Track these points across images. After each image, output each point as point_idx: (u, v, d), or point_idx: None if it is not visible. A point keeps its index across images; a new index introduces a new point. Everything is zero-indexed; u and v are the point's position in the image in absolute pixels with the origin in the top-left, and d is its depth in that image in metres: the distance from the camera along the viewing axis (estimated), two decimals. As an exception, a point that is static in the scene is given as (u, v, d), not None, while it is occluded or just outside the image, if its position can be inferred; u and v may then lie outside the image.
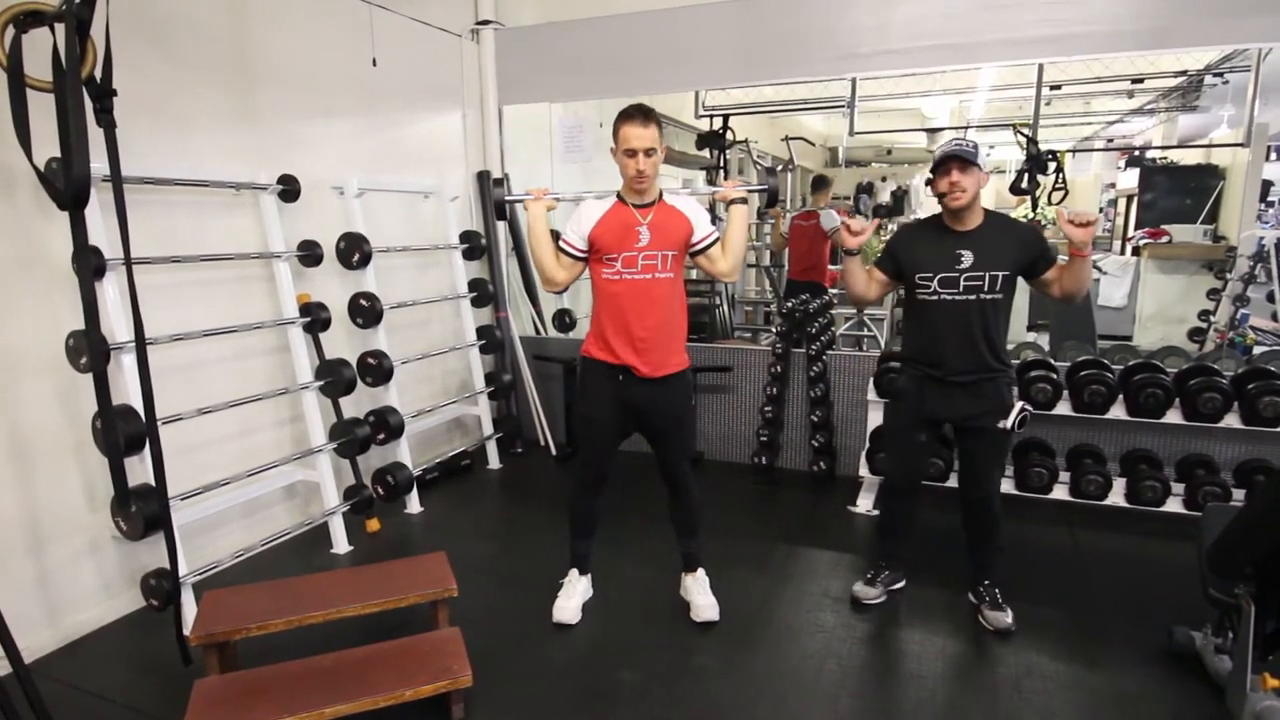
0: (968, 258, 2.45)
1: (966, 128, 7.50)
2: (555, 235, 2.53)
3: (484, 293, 4.45)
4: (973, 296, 2.45)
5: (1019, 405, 2.48)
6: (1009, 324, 2.55)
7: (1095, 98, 7.25)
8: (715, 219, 2.61)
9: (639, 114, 2.36)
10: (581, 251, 2.49)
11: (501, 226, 4.70)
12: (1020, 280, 2.50)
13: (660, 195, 2.49)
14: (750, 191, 2.64)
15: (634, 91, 4.30)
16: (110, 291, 2.52)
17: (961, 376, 2.49)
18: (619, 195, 2.48)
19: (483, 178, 4.65)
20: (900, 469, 2.80)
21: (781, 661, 2.48)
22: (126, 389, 2.53)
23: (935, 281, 2.48)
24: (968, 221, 2.47)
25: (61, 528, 2.62)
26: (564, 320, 5.17)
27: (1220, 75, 5.96)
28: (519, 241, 4.85)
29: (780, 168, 8.11)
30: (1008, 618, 2.61)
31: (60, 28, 1.91)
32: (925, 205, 9.90)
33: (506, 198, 2.65)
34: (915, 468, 2.76)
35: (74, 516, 2.66)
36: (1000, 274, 2.43)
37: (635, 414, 2.55)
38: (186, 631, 2.36)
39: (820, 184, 5.85)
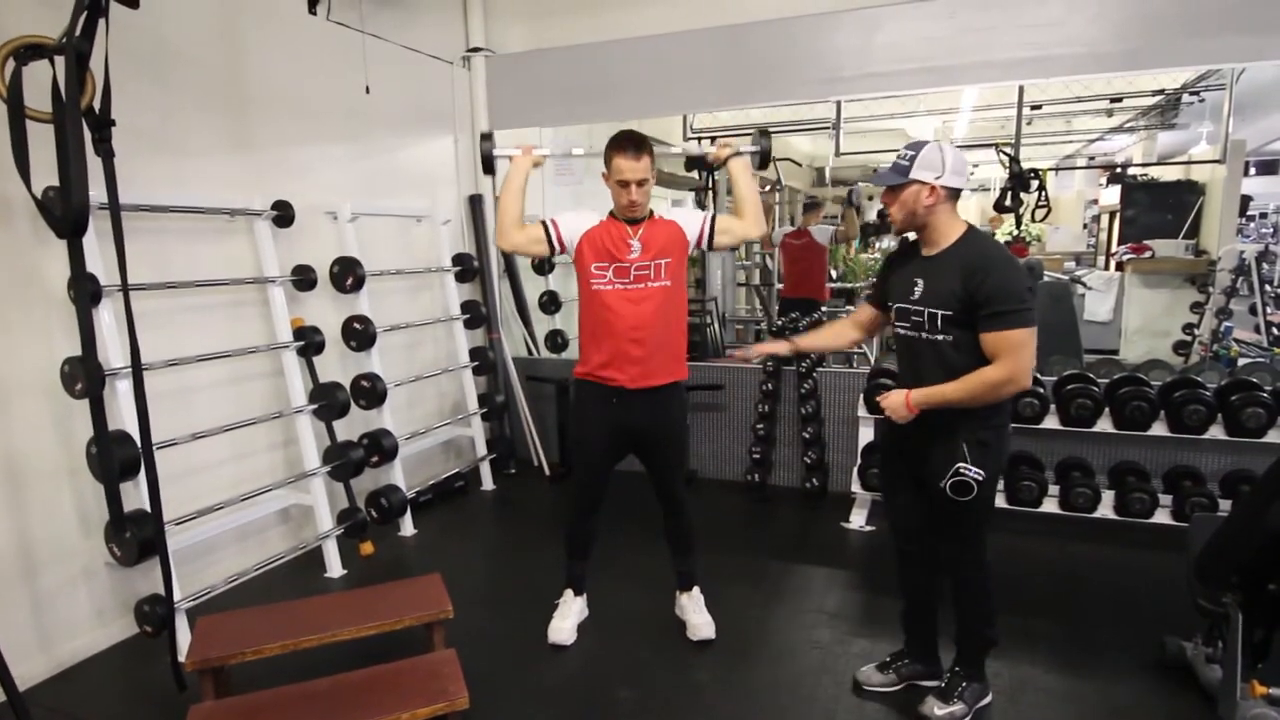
0: (919, 288, 2.07)
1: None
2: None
3: (476, 314, 4.47)
4: (919, 334, 2.08)
5: (957, 467, 2.01)
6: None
7: (1076, 117, 7.40)
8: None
9: (631, 144, 2.35)
10: (556, 239, 2.49)
11: (495, 250, 4.75)
12: None
13: (651, 212, 2.51)
14: (741, 153, 2.58)
15: (623, 116, 4.38)
16: (106, 318, 2.53)
17: (915, 425, 2.08)
18: (611, 212, 2.51)
19: (474, 201, 4.70)
20: (891, 522, 2.40)
21: (778, 677, 2.49)
22: (121, 414, 2.53)
23: (894, 312, 2.16)
24: (933, 243, 2.07)
25: (55, 554, 2.61)
26: (556, 341, 5.20)
27: (1197, 94, 6.10)
28: (511, 264, 4.90)
29: (768, 188, 8.21)
30: (943, 710, 2.20)
31: (60, 60, 1.95)
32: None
33: (495, 153, 2.63)
34: (903, 519, 2.32)
35: (67, 543, 2.64)
36: (939, 313, 2.01)
37: (629, 434, 2.55)
38: (181, 657, 2.35)
39: (812, 206, 5.98)
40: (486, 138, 2.69)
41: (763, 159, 2.65)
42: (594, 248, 2.45)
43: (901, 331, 2.15)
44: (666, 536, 2.75)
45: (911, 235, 2.18)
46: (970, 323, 1.97)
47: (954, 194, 2.03)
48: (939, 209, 2.02)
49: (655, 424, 2.54)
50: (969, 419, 2.02)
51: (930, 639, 2.39)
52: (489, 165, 2.68)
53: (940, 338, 2.03)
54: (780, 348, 2.52)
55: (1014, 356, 1.93)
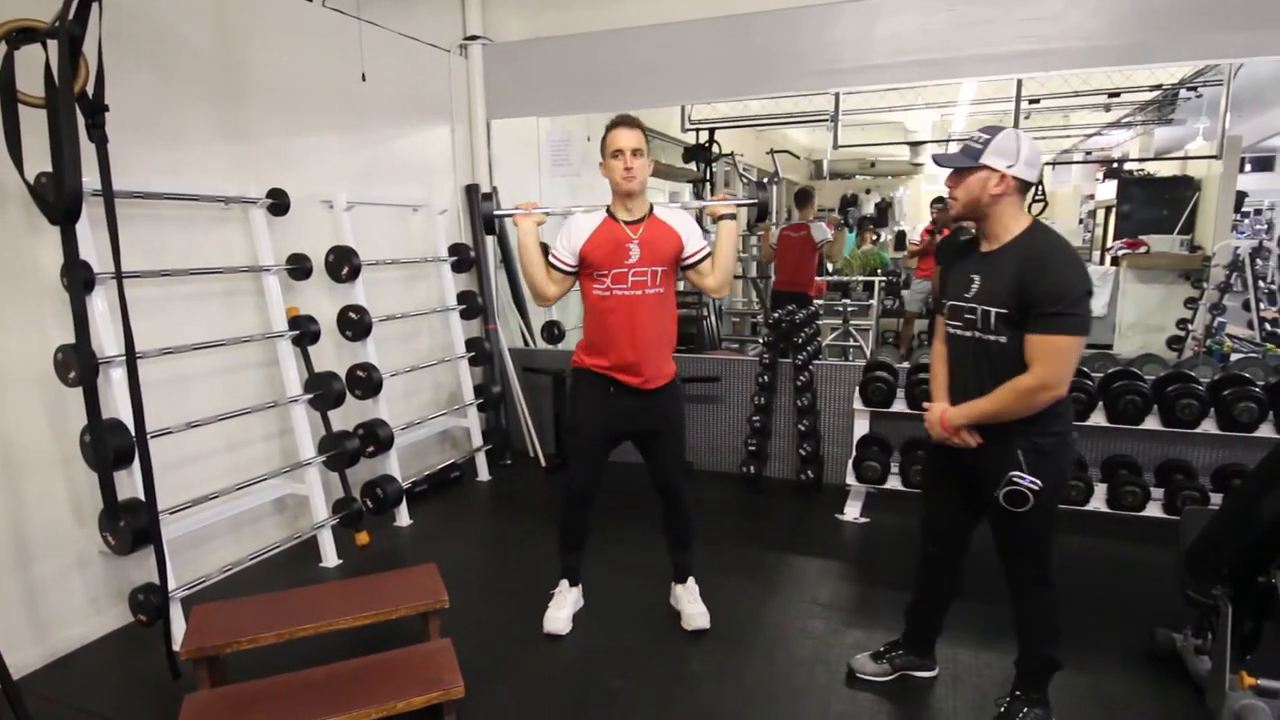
0: (975, 284, 1.93)
1: (948, 141, 7.61)
2: (545, 249, 2.55)
3: (473, 305, 4.47)
4: (972, 334, 1.95)
5: (1010, 476, 1.88)
6: None
7: (1073, 111, 7.39)
8: (704, 232, 2.62)
9: (624, 119, 2.41)
10: (571, 266, 2.50)
11: (490, 239, 4.73)
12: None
13: (651, 209, 2.50)
14: (740, 206, 2.62)
15: (621, 106, 4.34)
16: (100, 305, 2.52)
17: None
18: (609, 211, 2.49)
19: (471, 191, 4.68)
20: (922, 521, 2.29)
21: (772, 668, 2.50)
22: (115, 403, 2.52)
23: (947, 310, 2.03)
24: (994, 237, 1.92)
25: (49, 543, 2.60)
26: (553, 332, 5.20)
27: (1194, 89, 6.09)
28: (507, 254, 4.88)
29: (766, 180, 8.19)
30: None
31: (53, 45, 1.93)
32: (909, 217, 10.01)
33: (496, 212, 2.60)
34: (936, 522, 2.22)
35: (61, 532, 2.64)
36: (993, 310, 1.88)
37: (627, 423, 2.57)
38: (176, 646, 2.35)
39: (804, 197, 5.92)
40: (487, 198, 2.67)
41: (761, 211, 2.67)
42: (594, 255, 2.45)
43: (953, 331, 2.02)
44: (665, 527, 2.75)
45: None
46: (1024, 323, 1.84)
47: (1023, 187, 1.89)
48: (1005, 200, 1.88)
49: (652, 414, 2.56)
50: (1024, 425, 1.89)
51: (931, 635, 2.39)
52: (490, 226, 2.64)
53: (993, 338, 1.89)
54: (972, 438, 2.02)
55: (1052, 363, 1.80)
